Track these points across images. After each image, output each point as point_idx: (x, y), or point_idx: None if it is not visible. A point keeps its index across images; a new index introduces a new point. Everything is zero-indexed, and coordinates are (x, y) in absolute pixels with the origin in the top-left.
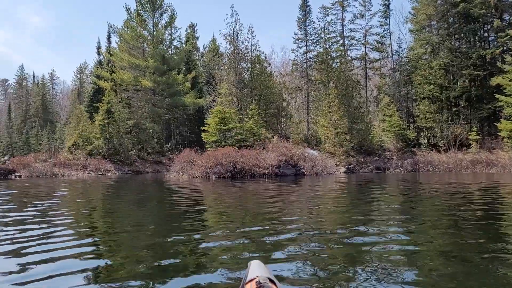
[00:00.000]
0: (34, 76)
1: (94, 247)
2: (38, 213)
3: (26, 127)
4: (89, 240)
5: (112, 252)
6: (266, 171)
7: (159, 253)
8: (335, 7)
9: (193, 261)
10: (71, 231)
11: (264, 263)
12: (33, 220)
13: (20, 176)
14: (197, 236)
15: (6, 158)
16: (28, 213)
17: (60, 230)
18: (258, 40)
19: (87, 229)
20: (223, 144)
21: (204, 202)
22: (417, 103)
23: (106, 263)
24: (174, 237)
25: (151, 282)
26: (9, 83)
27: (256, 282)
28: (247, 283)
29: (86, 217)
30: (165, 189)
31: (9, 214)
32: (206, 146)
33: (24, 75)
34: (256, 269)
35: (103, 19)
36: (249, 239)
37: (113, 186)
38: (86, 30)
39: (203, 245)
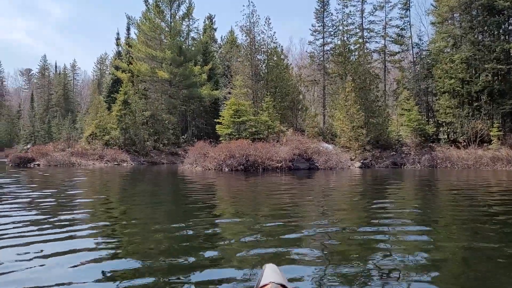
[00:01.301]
0: (56, 66)
1: (108, 239)
2: (54, 203)
3: (48, 117)
4: (103, 230)
5: (126, 244)
6: (279, 165)
7: (172, 247)
8: None
9: (207, 256)
10: (86, 223)
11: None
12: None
13: (39, 165)
14: (210, 231)
15: (29, 146)
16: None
17: (77, 220)
18: (274, 32)
19: (102, 222)
20: (237, 136)
21: (217, 196)
22: (437, 98)
23: (118, 255)
24: (186, 231)
25: (164, 275)
26: (32, 73)
27: None
28: None
29: (102, 208)
30: (178, 181)
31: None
32: (220, 139)
33: (46, 65)
34: (270, 275)
35: (124, 9)
36: (262, 234)
37: (129, 177)
38: (107, 21)
39: (217, 239)
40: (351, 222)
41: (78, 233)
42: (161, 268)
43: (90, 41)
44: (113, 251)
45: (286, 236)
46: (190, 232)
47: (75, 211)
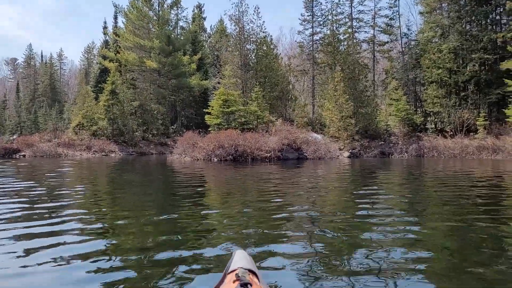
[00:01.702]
0: (42, 56)
1: (96, 226)
2: (42, 192)
3: (35, 107)
4: (89, 221)
5: (114, 229)
6: (268, 155)
7: (159, 237)
8: None
9: (193, 238)
10: (73, 212)
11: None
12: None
13: (24, 155)
14: (197, 221)
15: (15, 137)
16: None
17: (63, 211)
18: (264, 22)
19: (90, 211)
20: (226, 126)
21: (204, 185)
22: (425, 87)
23: (107, 240)
24: (172, 216)
25: (150, 255)
26: (18, 62)
27: (236, 274)
28: (228, 273)
29: (90, 199)
30: (167, 171)
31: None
32: (210, 129)
33: (32, 54)
34: (239, 260)
35: None
36: (250, 223)
37: (116, 167)
38: (95, 9)
39: (204, 228)
40: (339, 210)
41: (63, 226)
42: (146, 248)
43: (77, 29)
44: (100, 241)
45: (273, 224)
46: (177, 222)
47: (58, 203)
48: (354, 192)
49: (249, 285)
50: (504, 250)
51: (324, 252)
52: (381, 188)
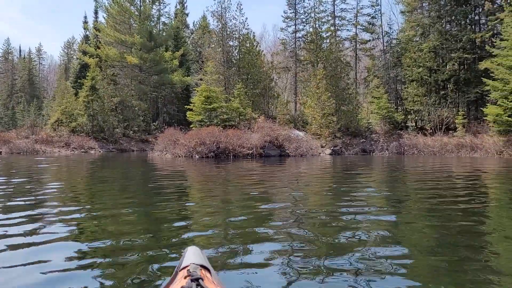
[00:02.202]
0: (20, 50)
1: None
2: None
3: (12, 102)
4: (67, 218)
5: (91, 236)
6: (250, 152)
7: (134, 228)
8: None
9: (167, 236)
10: (52, 211)
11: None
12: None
13: (0, 153)
14: (176, 217)
15: None
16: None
17: (43, 207)
18: (246, 18)
19: (69, 208)
20: (208, 123)
21: (184, 182)
22: (405, 86)
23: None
24: (153, 218)
25: (122, 254)
26: None
27: (187, 270)
28: (180, 270)
29: (68, 198)
30: (147, 168)
31: None
32: (191, 126)
33: (10, 49)
34: (191, 256)
35: None
36: (231, 221)
37: (94, 164)
38: (75, 3)
39: (183, 224)
40: (318, 207)
41: (42, 223)
42: (125, 247)
43: (57, 24)
44: (73, 241)
45: (253, 221)
46: (152, 220)
47: (31, 200)
48: (335, 189)
49: (200, 280)
50: (480, 248)
51: (303, 250)
52: (361, 185)
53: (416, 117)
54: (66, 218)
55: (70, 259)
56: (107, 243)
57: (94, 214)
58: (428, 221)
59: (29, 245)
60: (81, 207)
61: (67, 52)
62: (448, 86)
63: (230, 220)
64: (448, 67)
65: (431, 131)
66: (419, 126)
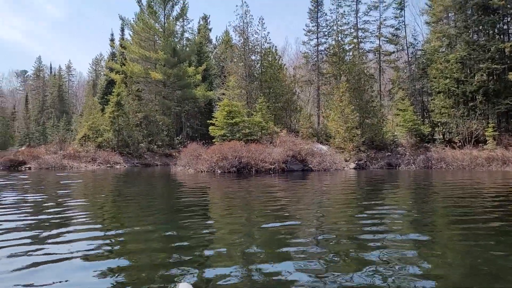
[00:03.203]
0: (51, 68)
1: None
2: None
3: (43, 118)
4: (95, 235)
5: (118, 252)
6: (273, 167)
7: (164, 251)
8: None
9: (193, 262)
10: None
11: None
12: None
13: (30, 168)
14: (199, 237)
15: (23, 148)
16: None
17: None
18: (268, 32)
19: (94, 224)
20: (230, 138)
21: (208, 200)
22: (432, 98)
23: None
24: (176, 236)
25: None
26: (28, 74)
27: None
28: None
29: (96, 215)
30: (170, 184)
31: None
32: (214, 140)
33: (41, 67)
34: None
35: (121, 9)
36: (254, 239)
37: (119, 180)
38: (103, 21)
39: (207, 245)
40: (345, 225)
41: (69, 238)
42: (154, 271)
43: (86, 41)
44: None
45: (278, 240)
46: (182, 239)
47: (62, 214)
48: (361, 206)
49: None
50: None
51: (330, 267)
52: (388, 202)
53: (444, 130)
54: (91, 236)
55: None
56: (125, 263)
57: (117, 232)
58: (458, 247)
59: (53, 261)
60: (105, 226)
61: (95, 68)
62: (476, 97)
63: (251, 241)
64: (476, 78)
65: (459, 144)
66: (447, 139)
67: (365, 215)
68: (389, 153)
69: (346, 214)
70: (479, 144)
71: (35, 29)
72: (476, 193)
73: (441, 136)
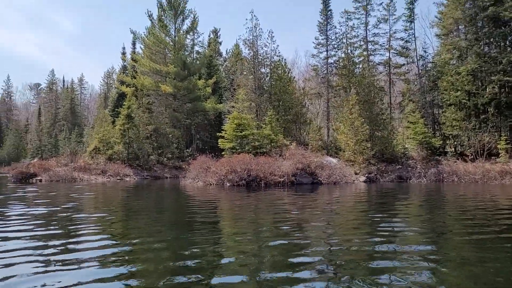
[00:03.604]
0: (64, 81)
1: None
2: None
3: (55, 131)
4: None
5: (129, 265)
6: (282, 180)
7: (174, 267)
8: (359, 11)
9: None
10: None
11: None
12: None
13: (41, 180)
14: (211, 251)
15: (35, 160)
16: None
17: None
18: (278, 45)
19: (105, 237)
20: (239, 150)
21: (217, 214)
22: (443, 110)
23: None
24: (188, 252)
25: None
26: (41, 87)
27: None
28: None
29: (104, 228)
30: (179, 198)
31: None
32: (223, 153)
33: (54, 80)
34: None
35: (133, 23)
36: (264, 255)
37: (129, 193)
38: (116, 35)
39: (218, 260)
40: (356, 244)
41: (78, 253)
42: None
43: (98, 55)
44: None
45: (288, 256)
46: (190, 253)
47: (67, 231)
48: (372, 222)
49: None
50: None
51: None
52: (400, 218)
53: (455, 142)
54: (100, 248)
55: None
56: (132, 277)
57: (126, 246)
58: (473, 267)
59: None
60: (113, 239)
61: (106, 81)
62: (488, 110)
63: (259, 258)
64: (488, 90)
65: (471, 157)
66: (458, 152)
67: (377, 233)
68: (400, 166)
69: (358, 231)
70: (492, 157)
71: (50, 44)
72: (491, 207)
73: (453, 149)
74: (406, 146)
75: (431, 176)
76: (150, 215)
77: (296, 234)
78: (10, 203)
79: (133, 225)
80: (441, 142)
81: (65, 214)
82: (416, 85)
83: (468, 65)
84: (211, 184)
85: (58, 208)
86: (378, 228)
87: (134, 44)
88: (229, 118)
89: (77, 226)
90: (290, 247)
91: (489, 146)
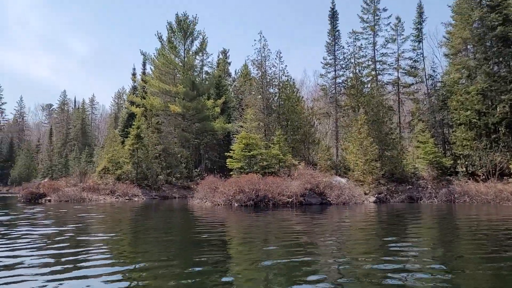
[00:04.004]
0: (75, 101)
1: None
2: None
3: (66, 150)
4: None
5: (135, 281)
6: (290, 200)
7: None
8: (366, 32)
9: None
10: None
11: None
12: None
13: (49, 200)
14: (220, 273)
15: (46, 180)
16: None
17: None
18: (286, 65)
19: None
20: (247, 170)
21: (223, 237)
22: (453, 130)
23: None
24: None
25: None
26: (53, 108)
27: None
28: None
29: (112, 249)
30: (187, 219)
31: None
32: (231, 173)
33: (66, 100)
34: None
35: (142, 46)
36: (271, 278)
37: (137, 213)
38: (127, 56)
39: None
40: (367, 266)
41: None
42: None
43: (109, 75)
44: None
45: (294, 277)
46: (198, 275)
47: (75, 253)
48: (381, 246)
49: None
50: None
51: None
52: (413, 241)
53: (467, 162)
54: (108, 270)
55: None
56: None
57: (134, 267)
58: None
59: None
60: (121, 261)
61: (117, 102)
62: (499, 129)
63: (268, 279)
64: (498, 110)
65: (483, 177)
66: (470, 172)
67: (387, 257)
68: (410, 186)
69: (368, 256)
70: (504, 177)
71: (62, 65)
72: (506, 230)
73: (464, 169)
74: (417, 166)
75: (442, 196)
76: (158, 237)
77: (304, 256)
78: (19, 224)
79: (140, 246)
80: (452, 162)
81: (70, 235)
82: (425, 104)
83: (478, 85)
84: (219, 205)
85: (62, 229)
86: (389, 253)
87: (144, 65)
88: (237, 138)
89: (83, 249)
90: (299, 268)
91: (501, 166)
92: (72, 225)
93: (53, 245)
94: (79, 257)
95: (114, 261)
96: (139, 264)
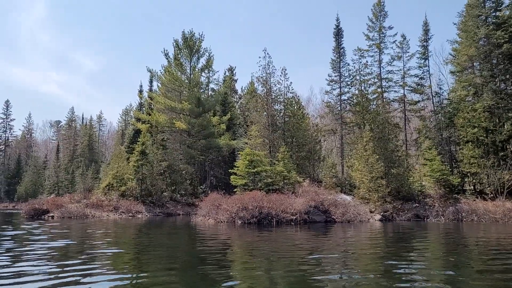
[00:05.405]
0: (83, 118)
1: None
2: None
3: (73, 167)
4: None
5: None
6: (294, 217)
7: None
8: (372, 49)
9: None
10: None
11: None
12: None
13: (53, 217)
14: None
15: (51, 196)
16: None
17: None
18: (291, 82)
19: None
20: (251, 187)
21: (227, 254)
22: (460, 147)
23: None
24: None
25: None
26: (61, 125)
27: None
28: None
29: (115, 266)
30: (190, 237)
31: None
32: (235, 190)
33: (73, 117)
34: None
35: (149, 63)
36: None
37: (140, 232)
38: (135, 73)
39: None
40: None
41: None
42: None
43: (117, 92)
44: None
45: None
46: None
47: (80, 270)
48: (387, 268)
49: None
50: None
51: None
52: (421, 262)
53: (474, 180)
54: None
55: None
56: None
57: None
58: None
59: None
60: (124, 277)
61: (124, 119)
62: (507, 147)
63: None
64: (506, 127)
65: (491, 195)
66: (477, 190)
67: (395, 279)
68: (417, 204)
69: (375, 274)
70: None
71: (71, 82)
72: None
73: (472, 187)
74: (423, 183)
75: (449, 215)
76: (161, 254)
77: (308, 275)
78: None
79: (144, 264)
80: (459, 179)
81: (74, 252)
82: (432, 121)
83: (484, 102)
84: (222, 222)
85: (63, 247)
86: (395, 275)
87: (151, 81)
88: (241, 155)
89: (88, 266)
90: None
91: (509, 184)
92: (76, 244)
93: (54, 260)
94: (81, 274)
95: (116, 275)
96: (140, 280)
